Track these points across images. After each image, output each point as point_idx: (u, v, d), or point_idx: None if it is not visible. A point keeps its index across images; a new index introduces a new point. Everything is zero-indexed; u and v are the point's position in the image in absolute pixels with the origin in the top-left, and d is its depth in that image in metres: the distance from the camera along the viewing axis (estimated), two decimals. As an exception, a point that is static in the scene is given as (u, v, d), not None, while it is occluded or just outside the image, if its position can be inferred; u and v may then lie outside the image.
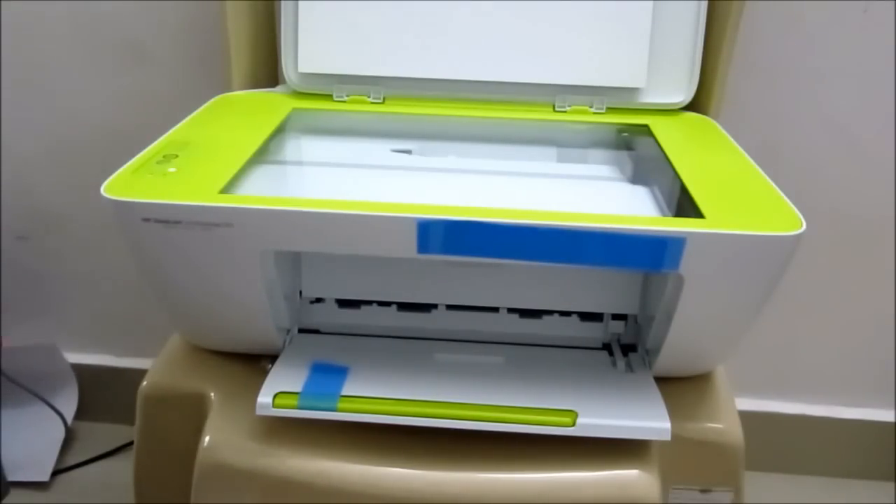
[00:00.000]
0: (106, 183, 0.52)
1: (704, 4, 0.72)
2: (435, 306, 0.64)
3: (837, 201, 0.91)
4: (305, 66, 0.74)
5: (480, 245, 0.49)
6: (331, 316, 0.65)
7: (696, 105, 0.75)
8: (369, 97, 0.75)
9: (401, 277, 0.63)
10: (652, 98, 0.74)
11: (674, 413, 0.54)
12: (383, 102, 0.75)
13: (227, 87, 0.75)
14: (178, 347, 0.66)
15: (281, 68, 0.75)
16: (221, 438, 0.57)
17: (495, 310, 0.64)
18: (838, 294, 0.97)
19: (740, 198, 0.55)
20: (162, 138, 0.61)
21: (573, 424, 0.53)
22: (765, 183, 0.57)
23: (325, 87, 0.75)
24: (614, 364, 0.61)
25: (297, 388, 0.55)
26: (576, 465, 0.55)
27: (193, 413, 0.60)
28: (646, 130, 0.70)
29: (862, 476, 1.07)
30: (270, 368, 0.58)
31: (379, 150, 0.71)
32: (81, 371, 1.07)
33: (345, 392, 0.55)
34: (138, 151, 0.58)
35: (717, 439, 0.60)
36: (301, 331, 0.64)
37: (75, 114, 0.93)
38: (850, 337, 1.00)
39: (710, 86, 0.73)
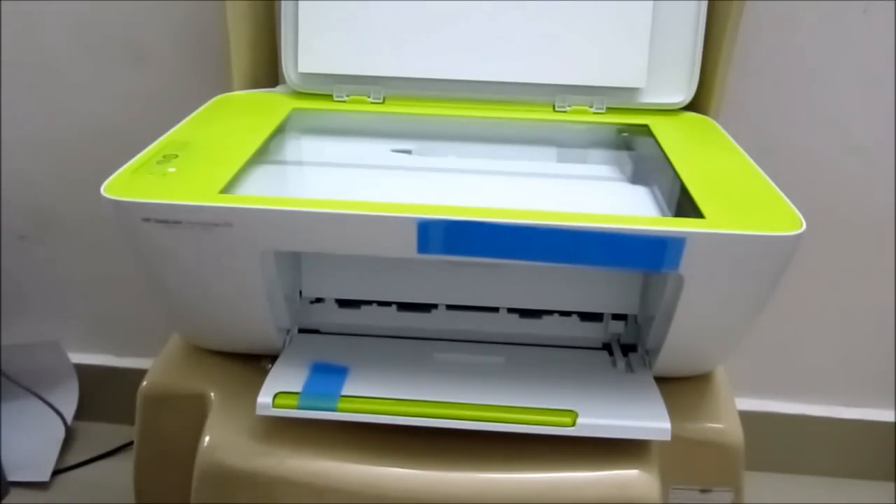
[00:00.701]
0: (106, 183, 0.52)
1: (704, 4, 0.72)
2: (435, 306, 0.64)
3: (837, 201, 0.91)
4: (305, 66, 0.74)
5: (480, 245, 0.49)
6: (331, 316, 0.65)
7: (695, 105, 0.75)
8: (369, 97, 0.75)
9: (401, 277, 0.63)
10: (652, 98, 0.74)
11: (674, 413, 0.54)
12: (383, 102, 0.75)
13: (227, 87, 0.75)
14: (177, 347, 0.66)
15: (281, 68, 0.75)
16: (221, 438, 0.57)
17: (495, 310, 0.64)
18: (838, 294, 0.97)
19: (740, 198, 0.55)
20: (162, 138, 0.61)
21: (573, 424, 0.53)
22: (765, 183, 0.57)
23: (325, 87, 0.75)
24: (614, 364, 0.61)
25: (297, 389, 0.55)
26: (576, 465, 0.55)
27: (193, 413, 0.60)
28: (646, 130, 0.70)
29: (862, 476, 1.07)
30: (270, 368, 0.58)
31: (379, 150, 0.71)
32: (81, 371, 1.07)
33: (345, 392, 0.55)
34: (138, 151, 0.58)
35: (717, 439, 0.60)
36: (301, 331, 0.64)
37: (75, 114, 0.93)
38: (850, 337, 1.00)
39: (710, 86, 0.73)
